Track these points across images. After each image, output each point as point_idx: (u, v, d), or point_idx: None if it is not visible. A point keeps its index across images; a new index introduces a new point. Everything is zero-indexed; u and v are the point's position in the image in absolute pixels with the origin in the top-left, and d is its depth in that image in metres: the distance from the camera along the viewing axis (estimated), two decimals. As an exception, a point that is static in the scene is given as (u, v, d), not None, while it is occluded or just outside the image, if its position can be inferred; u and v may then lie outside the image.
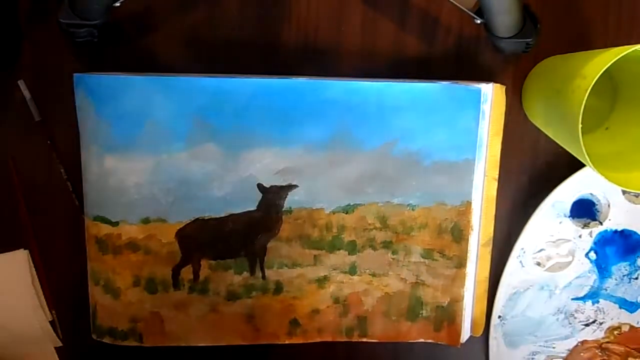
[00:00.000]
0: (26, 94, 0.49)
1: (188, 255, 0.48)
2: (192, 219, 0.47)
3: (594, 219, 0.53)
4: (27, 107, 0.49)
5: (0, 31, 0.47)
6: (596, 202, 0.52)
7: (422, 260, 0.49)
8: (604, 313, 0.54)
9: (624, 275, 0.53)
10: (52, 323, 0.51)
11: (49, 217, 0.50)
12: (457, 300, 0.49)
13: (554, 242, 0.52)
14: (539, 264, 0.53)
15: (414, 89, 0.46)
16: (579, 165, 0.49)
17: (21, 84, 0.49)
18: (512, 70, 0.51)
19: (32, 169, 0.50)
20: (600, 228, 0.52)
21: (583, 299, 0.54)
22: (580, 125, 0.39)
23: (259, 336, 0.49)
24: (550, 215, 0.51)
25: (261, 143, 0.46)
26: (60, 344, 0.52)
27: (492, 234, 0.49)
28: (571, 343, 0.55)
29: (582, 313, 0.54)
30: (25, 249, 0.50)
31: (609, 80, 0.50)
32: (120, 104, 0.44)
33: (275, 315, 0.49)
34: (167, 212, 0.47)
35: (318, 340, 0.50)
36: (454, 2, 0.44)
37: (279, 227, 0.48)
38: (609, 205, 0.52)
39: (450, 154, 0.47)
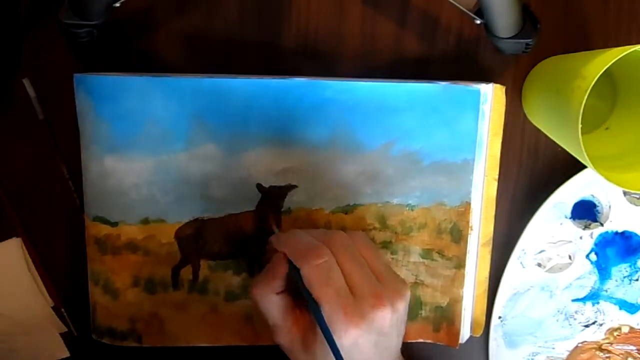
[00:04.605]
0: (31, 92, 0.49)
1: (187, 256, 0.48)
2: (192, 219, 0.47)
3: (595, 220, 0.53)
4: (28, 107, 0.49)
5: (0, 31, 0.47)
6: (597, 204, 0.52)
7: (421, 260, 0.49)
8: (604, 314, 0.54)
9: (624, 277, 0.53)
10: (56, 310, 0.51)
11: (50, 217, 0.50)
12: (456, 301, 0.49)
13: (554, 243, 0.52)
14: (539, 264, 0.53)
15: (413, 89, 0.46)
16: (579, 166, 0.49)
17: (26, 82, 0.49)
18: (512, 70, 0.51)
19: (33, 169, 0.50)
20: (601, 229, 0.52)
21: (583, 300, 0.54)
22: (580, 125, 0.39)
23: (258, 337, 0.49)
24: (551, 217, 0.51)
25: (261, 143, 0.46)
26: (65, 329, 0.52)
27: (492, 234, 0.49)
28: (571, 344, 0.54)
29: (582, 314, 0.54)
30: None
31: (609, 80, 0.50)
32: (120, 104, 0.44)
33: (274, 316, 0.49)
34: (167, 212, 0.47)
35: (317, 340, 0.50)
36: (454, 2, 0.44)
37: (278, 227, 0.47)
38: (609, 207, 0.52)
39: (449, 155, 0.47)
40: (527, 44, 0.47)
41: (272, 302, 0.41)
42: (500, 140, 0.48)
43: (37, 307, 0.51)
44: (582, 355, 0.55)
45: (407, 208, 0.48)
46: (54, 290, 0.51)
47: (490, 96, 0.46)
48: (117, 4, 0.43)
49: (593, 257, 0.53)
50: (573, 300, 0.54)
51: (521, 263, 0.52)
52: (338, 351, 0.36)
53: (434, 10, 0.50)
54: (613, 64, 0.37)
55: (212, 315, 0.48)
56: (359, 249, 0.41)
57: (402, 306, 0.40)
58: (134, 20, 0.49)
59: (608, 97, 0.51)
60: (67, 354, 0.52)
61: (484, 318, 0.51)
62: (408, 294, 0.41)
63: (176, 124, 0.45)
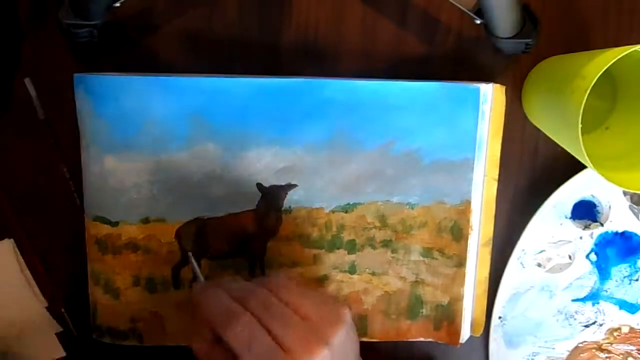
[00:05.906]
0: (32, 92, 0.49)
1: (188, 255, 0.47)
2: (192, 219, 0.47)
3: (595, 221, 0.53)
4: (28, 107, 0.49)
5: (0, 31, 0.47)
6: (597, 204, 0.52)
7: (421, 259, 0.49)
8: (604, 314, 0.54)
9: (624, 277, 0.53)
10: (55, 310, 0.51)
11: (50, 217, 0.51)
12: (457, 300, 0.49)
13: (554, 243, 0.52)
14: (539, 265, 0.53)
15: (413, 88, 0.46)
16: (579, 166, 0.49)
17: (27, 82, 0.49)
18: (512, 70, 0.51)
19: (33, 169, 0.50)
20: (601, 229, 0.52)
21: (583, 300, 0.54)
22: (580, 125, 0.39)
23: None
24: (551, 217, 0.51)
25: (261, 143, 0.46)
26: (61, 329, 0.52)
27: (492, 234, 0.49)
28: (571, 344, 0.54)
29: (582, 314, 0.54)
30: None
31: (609, 80, 0.50)
32: (120, 104, 0.44)
33: (274, 315, 0.49)
34: (167, 212, 0.47)
35: (318, 340, 0.50)
36: (454, 2, 0.44)
37: (278, 226, 0.48)
38: (609, 207, 0.52)
39: (449, 153, 0.47)
40: (527, 44, 0.47)
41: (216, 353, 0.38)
42: (500, 140, 0.48)
43: (31, 308, 0.51)
44: (582, 355, 0.55)
45: (408, 207, 0.48)
46: (54, 290, 0.51)
47: (490, 96, 0.46)
48: (117, 4, 0.43)
49: (593, 257, 0.53)
50: (573, 300, 0.54)
51: (521, 263, 0.52)
52: None
53: (434, 10, 0.50)
54: (613, 64, 0.37)
55: (212, 315, 0.48)
56: (281, 296, 0.39)
57: (340, 337, 0.38)
58: (134, 20, 0.49)
59: (608, 97, 0.51)
60: (63, 354, 0.52)
61: (484, 318, 0.51)
62: (344, 318, 0.39)
63: (176, 124, 0.45)
